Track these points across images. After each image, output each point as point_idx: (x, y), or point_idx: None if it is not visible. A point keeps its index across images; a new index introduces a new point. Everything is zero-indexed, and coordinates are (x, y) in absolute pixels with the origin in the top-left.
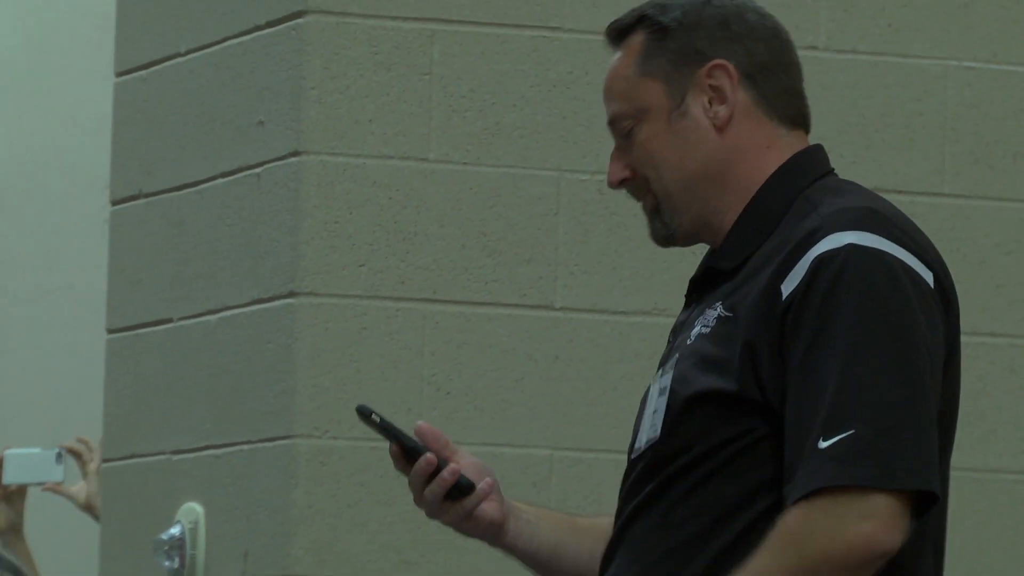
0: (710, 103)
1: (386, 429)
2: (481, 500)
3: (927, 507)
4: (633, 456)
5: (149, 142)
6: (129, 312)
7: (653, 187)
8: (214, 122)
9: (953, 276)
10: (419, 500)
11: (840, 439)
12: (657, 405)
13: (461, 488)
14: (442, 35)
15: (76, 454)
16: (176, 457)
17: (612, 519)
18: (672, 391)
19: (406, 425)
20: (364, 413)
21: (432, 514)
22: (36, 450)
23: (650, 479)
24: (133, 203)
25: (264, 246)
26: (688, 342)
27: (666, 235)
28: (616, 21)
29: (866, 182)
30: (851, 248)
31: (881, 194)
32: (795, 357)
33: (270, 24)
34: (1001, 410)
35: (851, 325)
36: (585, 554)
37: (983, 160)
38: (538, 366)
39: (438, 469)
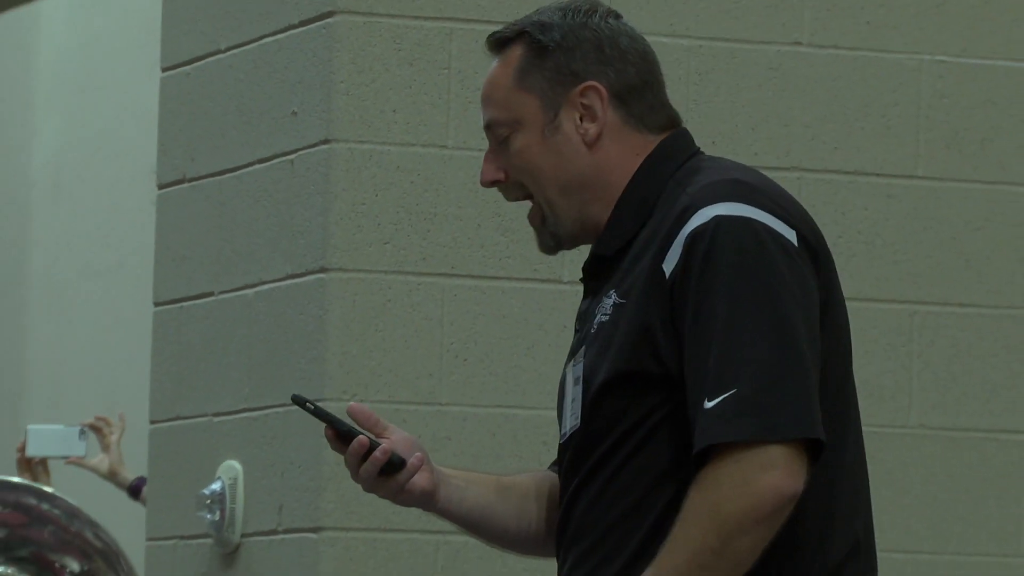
0: (581, 120)
1: (320, 414)
2: (412, 474)
3: (817, 453)
4: (562, 442)
5: (192, 131)
6: (174, 287)
7: (534, 195)
8: (252, 113)
9: (925, 252)
10: (355, 477)
11: (723, 399)
12: (574, 394)
13: (393, 464)
14: (459, 33)
15: (96, 430)
16: (217, 419)
17: (535, 473)
18: (585, 380)
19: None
20: (299, 402)
21: (368, 489)
22: (59, 426)
23: (581, 463)
24: (178, 187)
25: (297, 226)
26: (592, 331)
27: (554, 243)
28: (498, 32)
29: (847, 166)
30: (718, 219)
31: (860, 177)
32: (684, 330)
33: (303, 23)
34: (971, 374)
35: (726, 292)
36: (512, 511)
37: (954, 146)
38: (547, 335)
39: (371, 448)
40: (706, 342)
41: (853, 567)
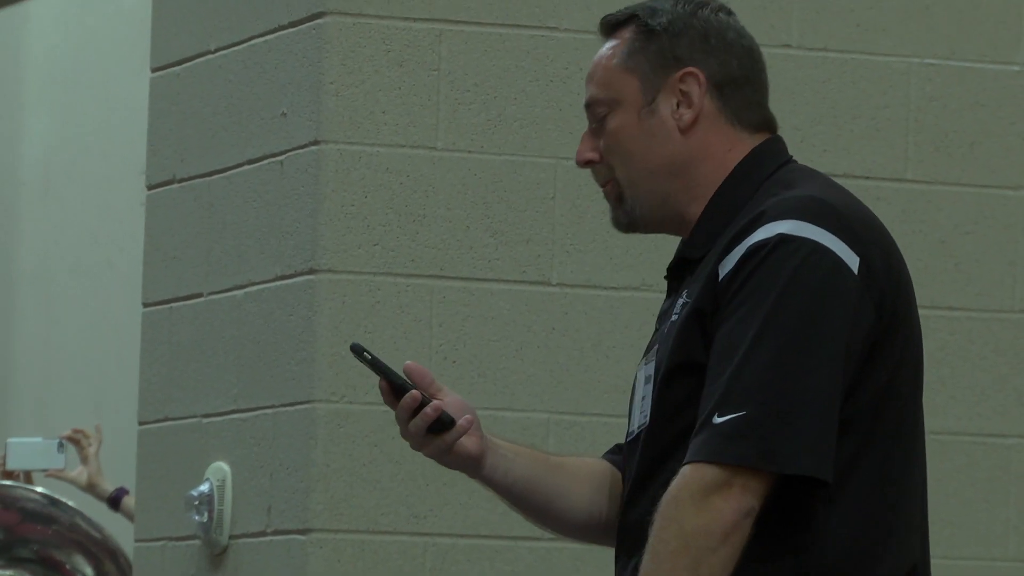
0: (678, 106)
1: (376, 366)
2: (461, 435)
3: (813, 485)
4: (629, 439)
5: (182, 132)
6: (163, 287)
7: (618, 175)
8: (241, 114)
9: (915, 255)
10: (404, 433)
11: (732, 418)
12: (644, 392)
13: (443, 423)
14: (449, 34)
15: (74, 442)
16: (206, 420)
17: (590, 458)
18: (656, 373)
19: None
20: (357, 351)
21: (416, 446)
22: (38, 439)
23: (646, 459)
24: (167, 187)
25: (287, 227)
26: (665, 331)
27: (628, 222)
28: (610, 15)
29: (836, 169)
30: (780, 238)
31: (849, 180)
32: (720, 336)
33: (292, 24)
34: (960, 377)
35: (764, 310)
36: (556, 488)
37: (943, 149)
38: (536, 337)
39: (422, 405)
40: (731, 355)
41: None
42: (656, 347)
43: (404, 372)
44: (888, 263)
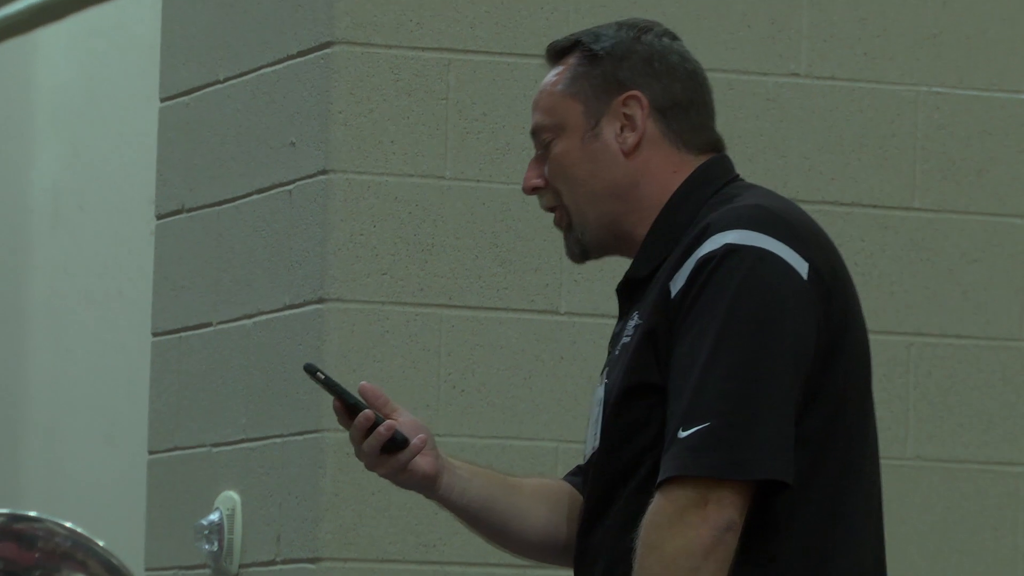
0: (621, 129)
1: (330, 386)
2: (415, 454)
3: (780, 490)
4: (584, 464)
5: (191, 161)
6: (173, 316)
7: (565, 201)
8: (250, 143)
9: (922, 283)
10: (359, 453)
11: (696, 430)
12: (596, 415)
13: (396, 442)
14: (457, 64)
15: None
16: (215, 449)
17: (548, 479)
18: (605, 400)
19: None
20: (311, 371)
21: (370, 466)
22: None
23: (601, 483)
24: (176, 217)
25: (295, 256)
26: (616, 353)
27: (580, 250)
28: (555, 42)
29: (844, 197)
30: (727, 248)
31: (857, 208)
32: (678, 351)
33: (301, 54)
34: (968, 406)
35: (718, 321)
36: (515, 511)
37: (950, 177)
38: (544, 366)
39: (375, 424)
40: (690, 369)
41: None
42: (607, 370)
43: (359, 392)
44: (834, 268)
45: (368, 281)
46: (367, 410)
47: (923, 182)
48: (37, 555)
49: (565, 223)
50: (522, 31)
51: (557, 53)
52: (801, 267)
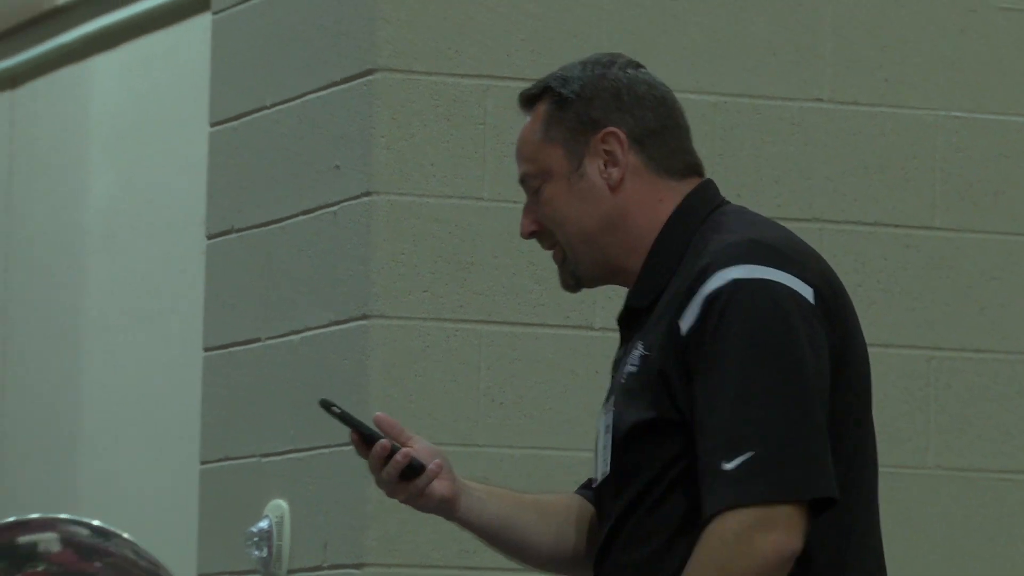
0: (604, 166)
1: (345, 419)
2: (432, 479)
3: (825, 506)
4: (595, 487)
5: (240, 184)
6: (223, 333)
7: (559, 240)
8: (296, 166)
9: (942, 300)
10: (378, 481)
11: (742, 461)
12: (605, 442)
13: (413, 469)
14: (495, 90)
15: None
16: (264, 459)
17: (562, 494)
18: (614, 428)
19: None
20: (326, 405)
21: (390, 493)
22: None
23: (612, 506)
24: (226, 237)
25: (340, 275)
26: (621, 381)
27: (573, 283)
28: (526, 90)
29: (867, 218)
30: (734, 283)
31: (880, 228)
32: (697, 389)
33: (345, 80)
34: (986, 417)
35: (739, 354)
36: (532, 527)
37: (969, 198)
38: (579, 379)
39: (392, 453)
40: (721, 402)
41: None
42: (612, 398)
43: (374, 423)
44: (832, 286)
45: (410, 298)
46: (383, 440)
47: (943, 203)
48: (97, 565)
49: (560, 258)
50: (555, 58)
51: (528, 100)
52: (806, 292)
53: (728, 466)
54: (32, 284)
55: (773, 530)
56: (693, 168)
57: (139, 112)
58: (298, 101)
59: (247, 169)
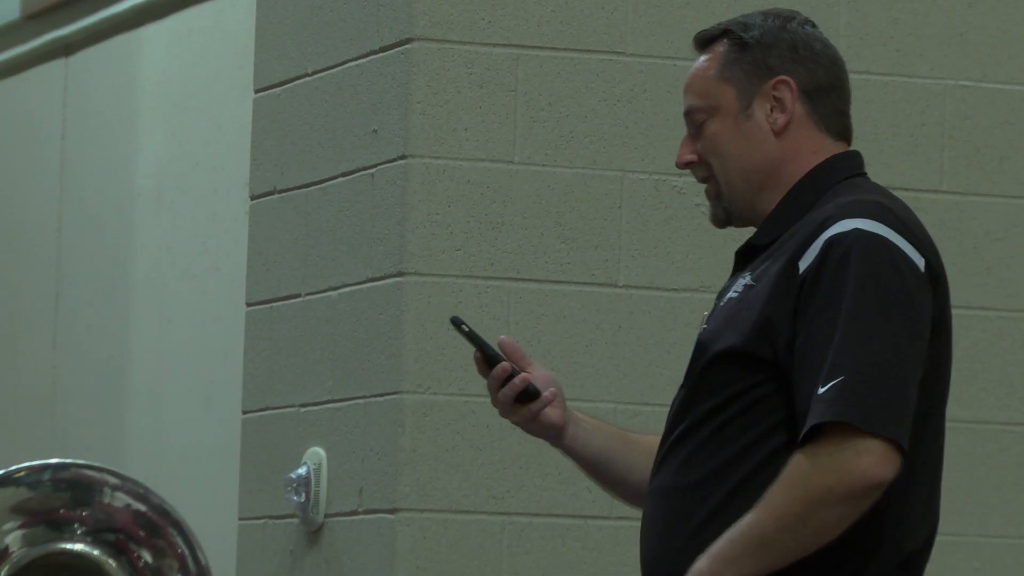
0: (772, 111)
1: (473, 337)
2: (545, 405)
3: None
4: (675, 397)
5: (282, 147)
6: (265, 289)
7: (717, 174)
8: (336, 131)
9: (950, 260)
10: (494, 400)
11: (832, 384)
12: (692, 357)
13: (529, 393)
14: (526, 58)
15: None
16: (303, 409)
17: (659, 437)
18: (703, 346)
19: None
20: (456, 323)
21: (504, 413)
22: None
23: (682, 420)
24: (269, 198)
25: (377, 234)
26: (721, 304)
27: (724, 218)
28: (704, 31)
29: (878, 181)
30: (857, 232)
31: (890, 191)
32: (808, 322)
33: (383, 49)
34: (991, 371)
35: (853, 295)
36: (631, 462)
37: (975, 163)
38: (604, 334)
39: (511, 376)
40: (828, 334)
41: (922, 558)
42: (710, 317)
43: (498, 346)
44: (941, 267)
45: (443, 256)
46: (504, 362)
47: (950, 168)
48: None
49: (715, 193)
50: (584, 29)
51: (705, 41)
52: (919, 261)
53: (821, 390)
54: (85, 243)
55: (867, 455)
56: (847, 131)
57: (187, 79)
58: (338, 69)
59: (289, 133)
